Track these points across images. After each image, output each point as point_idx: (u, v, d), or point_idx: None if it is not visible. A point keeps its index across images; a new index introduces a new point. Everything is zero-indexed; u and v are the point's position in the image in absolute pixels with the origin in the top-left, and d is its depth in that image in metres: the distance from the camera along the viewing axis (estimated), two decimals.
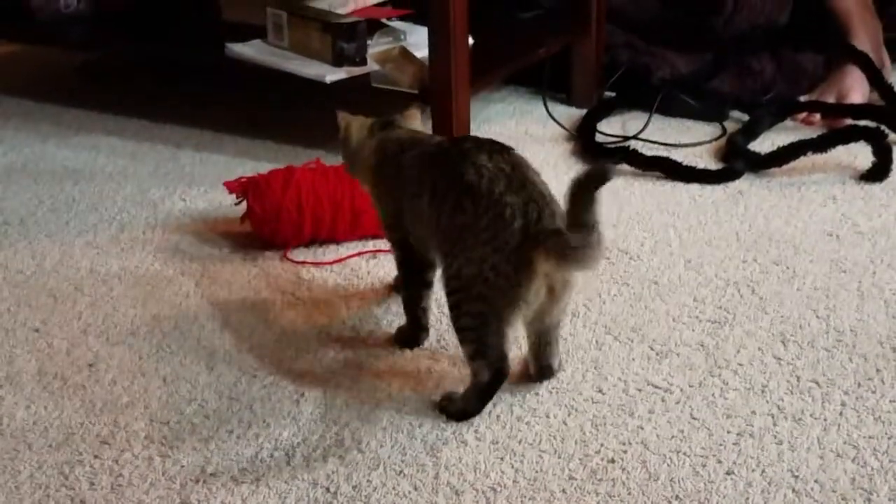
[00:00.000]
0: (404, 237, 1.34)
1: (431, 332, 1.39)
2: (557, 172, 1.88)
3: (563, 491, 1.12)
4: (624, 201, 1.76)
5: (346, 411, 1.25)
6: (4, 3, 2.32)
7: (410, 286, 1.37)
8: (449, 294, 1.23)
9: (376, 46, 1.95)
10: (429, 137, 1.37)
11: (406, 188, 1.30)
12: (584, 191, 1.14)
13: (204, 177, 1.88)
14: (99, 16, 2.29)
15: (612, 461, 1.16)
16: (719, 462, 1.15)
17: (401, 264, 1.38)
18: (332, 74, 1.89)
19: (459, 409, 1.24)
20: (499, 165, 1.22)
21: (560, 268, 1.18)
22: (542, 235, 1.17)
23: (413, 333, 1.38)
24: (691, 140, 1.99)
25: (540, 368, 1.29)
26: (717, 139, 1.99)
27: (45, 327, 1.44)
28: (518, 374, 1.30)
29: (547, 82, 2.14)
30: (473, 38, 1.85)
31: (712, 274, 1.53)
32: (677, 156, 1.89)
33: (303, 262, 1.58)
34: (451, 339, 1.38)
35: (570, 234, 1.14)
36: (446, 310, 1.43)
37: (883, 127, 1.88)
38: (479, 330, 1.21)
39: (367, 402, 1.26)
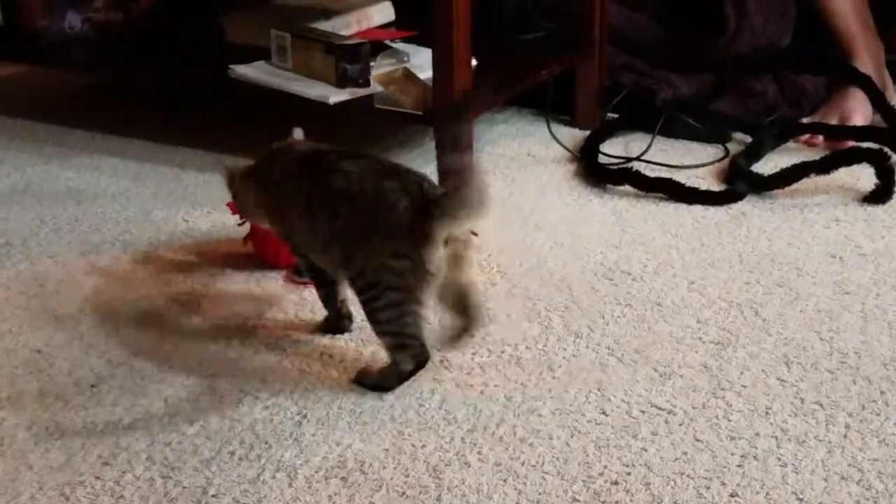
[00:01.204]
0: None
1: (434, 353, 1.39)
2: (561, 194, 1.88)
3: None
4: (626, 223, 1.76)
5: (348, 433, 1.24)
6: (9, 25, 2.34)
7: (323, 286, 1.42)
8: (359, 294, 1.29)
9: (380, 68, 1.96)
10: (288, 149, 1.41)
11: (281, 203, 1.37)
12: (448, 127, 1.20)
13: (207, 198, 1.88)
14: (103, 37, 2.30)
15: (616, 483, 1.15)
16: (723, 484, 1.15)
17: (309, 270, 1.42)
18: (336, 96, 1.89)
19: (376, 383, 1.31)
20: (363, 166, 1.28)
21: (458, 220, 1.22)
22: (429, 204, 1.22)
23: (338, 322, 1.44)
24: (694, 161, 1.99)
25: (465, 320, 1.30)
26: (719, 161, 2.00)
27: (46, 348, 1.44)
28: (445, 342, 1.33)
29: (550, 104, 2.15)
30: (476, 60, 1.85)
31: (715, 296, 1.53)
32: (680, 177, 1.89)
33: (305, 283, 1.58)
34: (454, 359, 1.38)
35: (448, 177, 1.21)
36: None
37: (885, 149, 1.88)
38: (396, 322, 1.26)
39: (370, 423, 1.26)
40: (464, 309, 1.30)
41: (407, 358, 1.29)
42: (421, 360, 1.29)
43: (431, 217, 1.22)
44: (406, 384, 1.33)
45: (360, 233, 1.26)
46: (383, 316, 1.27)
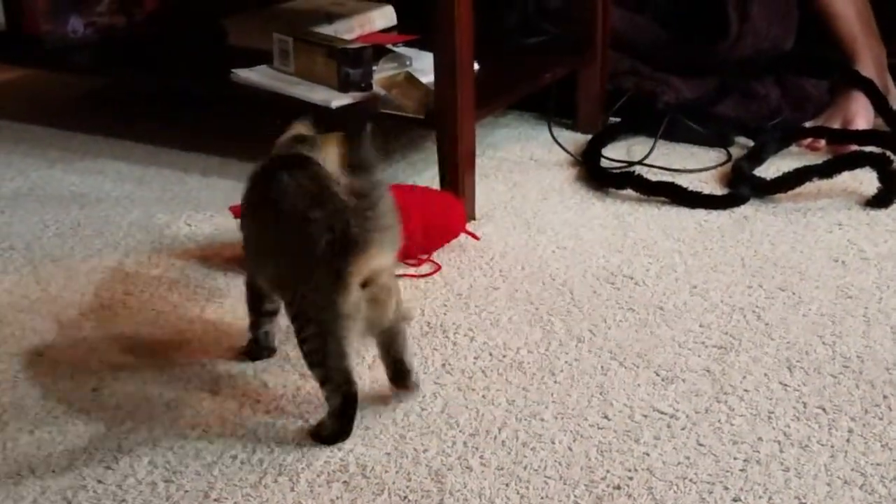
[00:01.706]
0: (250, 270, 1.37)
1: (437, 356, 1.39)
2: (563, 198, 1.88)
3: None
4: (629, 227, 1.76)
5: (350, 437, 1.24)
6: (12, 29, 2.34)
7: (253, 312, 1.38)
8: (291, 321, 1.24)
9: (382, 72, 1.96)
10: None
11: (246, 211, 1.36)
12: (351, 136, 1.16)
13: (210, 201, 1.88)
14: (106, 41, 2.30)
15: (618, 488, 1.15)
16: (726, 489, 1.15)
17: (247, 287, 1.38)
18: (338, 100, 1.89)
19: (325, 434, 1.24)
20: (299, 181, 1.24)
21: (370, 256, 1.18)
22: (347, 246, 1.17)
23: (256, 350, 1.40)
24: (696, 165, 1.99)
25: (393, 366, 1.29)
26: (722, 164, 1.99)
27: (49, 352, 1.44)
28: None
29: (552, 108, 2.15)
30: (479, 64, 1.85)
31: (718, 300, 1.53)
32: (682, 181, 1.89)
33: None
34: (457, 363, 1.38)
35: (355, 181, 1.16)
36: (458, 338, 1.44)
37: (888, 153, 1.88)
38: (320, 354, 1.21)
39: (372, 427, 1.26)
40: (389, 359, 1.29)
41: (333, 391, 1.22)
42: (347, 395, 1.22)
43: (348, 259, 1.17)
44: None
45: (287, 257, 1.23)
46: (307, 347, 1.22)
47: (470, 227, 1.73)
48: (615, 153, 2.03)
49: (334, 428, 1.24)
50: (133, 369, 1.39)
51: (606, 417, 1.27)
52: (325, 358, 1.21)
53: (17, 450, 1.24)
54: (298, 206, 1.21)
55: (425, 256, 1.65)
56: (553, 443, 1.23)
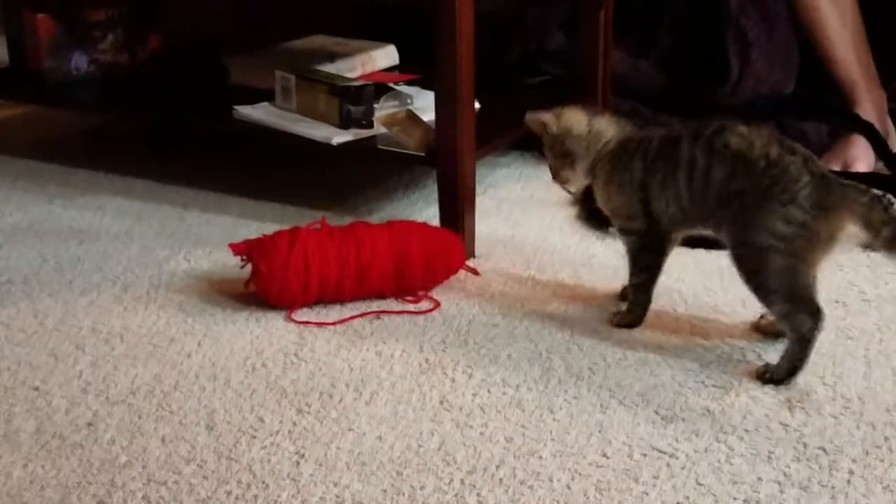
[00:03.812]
0: (647, 226, 1.50)
1: (435, 393, 1.38)
2: (563, 236, 1.88)
3: None
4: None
5: (346, 473, 1.23)
6: (15, 65, 2.35)
7: (646, 272, 1.53)
8: (741, 263, 1.40)
9: (383, 110, 1.97)
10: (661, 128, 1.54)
11: (655, 173, 1.47)
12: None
13: (209, 237, 1.88)
14: (109, 78, 2.32)
15: None
16: None
17: (638, 252, 1.53)
18: (339, 137, 1.90)
19: (786, 369, 1.39)
20: (761, 133, 1.39)
21: (864, 231, 1.35)
22: (843, 191, 1.36)
23: (640, 314, 1.55)
24: None
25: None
26: None
27: (44, 386, 1.43)
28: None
29: None
30: (480, 103, 1.86)
31: (718, 339, 1.52)
32: None
33: (306, 323, 1.57)
34: (455, 400, 1.37)
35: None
36: (457, 374, 1.43)
37: (888, 196, 1.88)
38: (787, 286, 1.37)
39: (368, 463, 1.25)
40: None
41: (804, 317, 1.37)
42: (816, 314, 1.37)
43: (842, 206, 1.35)
44: (404, 425, 1.32)
45: (751, 199, 1.36)
46: (771, 284, 1.37)
47: (469, 264, 1.72)
48: None
49: (796, 359, 1.38)
50: (128, 404, 1.38)
51: (605, 456, 1.26)
52: (794, 289, 1.37)
53: (10, 483, 1.23)
54: (769, 152, 1.38)
55: (425, 293, 1.64)
56: (551, 481, 1.22)
